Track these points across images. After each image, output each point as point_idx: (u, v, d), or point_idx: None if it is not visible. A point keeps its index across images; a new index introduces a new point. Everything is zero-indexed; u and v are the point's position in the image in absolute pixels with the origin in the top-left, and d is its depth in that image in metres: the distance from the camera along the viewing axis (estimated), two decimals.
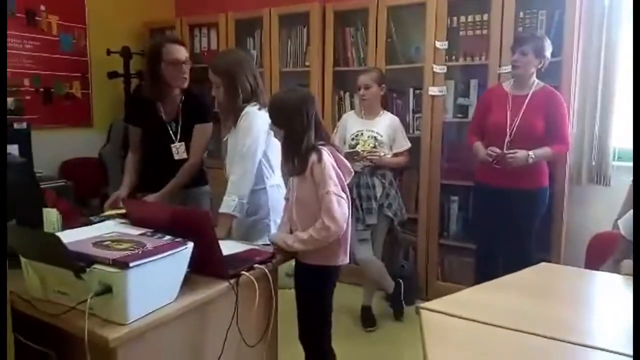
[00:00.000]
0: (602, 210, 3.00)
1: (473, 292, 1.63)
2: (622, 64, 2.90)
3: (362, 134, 2.91)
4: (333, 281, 1.93)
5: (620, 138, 2.99)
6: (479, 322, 1.40)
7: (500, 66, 2.98)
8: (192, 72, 2.41)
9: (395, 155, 2.93)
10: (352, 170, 1.91)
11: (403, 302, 3.13)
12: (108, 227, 1.64)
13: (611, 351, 1.26)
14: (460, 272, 3.30)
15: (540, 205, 2.70)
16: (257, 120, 2.07)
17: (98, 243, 1.39)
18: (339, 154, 1.88)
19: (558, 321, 1.43)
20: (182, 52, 2.35)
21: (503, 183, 2.63)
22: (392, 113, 3.08)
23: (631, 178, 2.78)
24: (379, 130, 2.90)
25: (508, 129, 2.60)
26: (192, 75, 2.40)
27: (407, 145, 2.96)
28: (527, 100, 2.60)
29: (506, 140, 2.59)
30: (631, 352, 1.21)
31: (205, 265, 1.53)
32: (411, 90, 3.35)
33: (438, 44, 3.13)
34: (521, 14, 2.97)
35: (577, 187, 3.12)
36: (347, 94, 3.58)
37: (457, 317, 1.43)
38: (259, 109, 2.10)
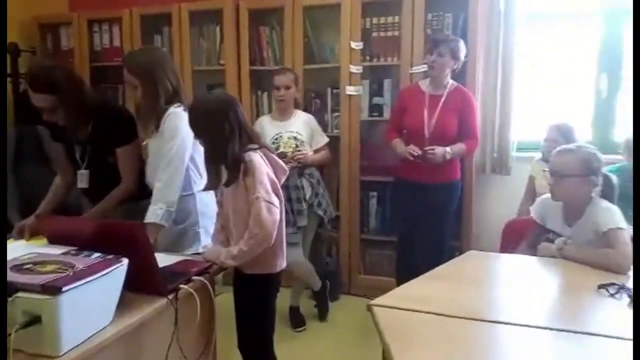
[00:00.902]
0: (504, 198, 3.28)
1: (415, 286, 1.69)
2: (517, 64, 3.18)
3: (281, 136, 2.88)
4: (275, 288, 1.90)
5: (519, 131, 3.28)
6: (428, 313, 1.47)
7: (411, 66, 3.13)
8: (92, 71, 2.18)
9: (316, 151, 2.95)
10: (286, 169, 1.88)
11: (328, 302, 3.17)
12: (22, 249, 1.46)
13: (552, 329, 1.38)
14: (381, 265, 3.43)
15: (455, 196, 2.89)
16: (182, 121, 1.96)
17: (17, 267, 1.23)
18: (272, 155, 1.84)
19: (496, 304, 1.55)
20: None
21: (421, 178, 2.77)
22: (311, 113, 3.11)
23: (529, 167, 3.09)
24: (298, 130, 2.90)
25: (426, 127, 2.73)
26: (93, 73, 2.16)
27: (325, 140, 3.00)
28: (442, 100, 2.76)
29: (425, 137, 2.72)
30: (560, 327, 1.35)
31: (141, 282, 1.42)
32: (329, 90, 3.40)
33: (353, 45, 3.20)
34: (429, 16, 3.14)
35: (482, 177, 3.37)
36: (265, 94, 3.54)
37: (406, 310, 1.49)
38: (184, 109, 1.99)
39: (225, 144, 1.69)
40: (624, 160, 2.74)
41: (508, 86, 3.22)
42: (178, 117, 1.98)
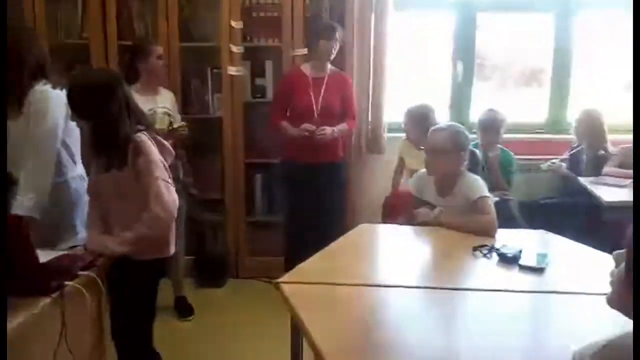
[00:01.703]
0: (379, 176, 3.51)
1: (316, 261, 1.75)
2: (389, 50, 3.39)
3: (155, 111, 2.72)
4: (163, 273, 1.82)
5: (389, 113, 3.52)
6: (330, 284, 1.56)
7: (293, 49, 3.16)
8: None
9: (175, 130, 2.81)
10: (172, 150, 1.80)
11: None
12: None
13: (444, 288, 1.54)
14: (269, 246, 3.45)
15: (340, 175, 3.04)
16: (51, 101, 1.75)
17: None
18: (158, 136, 1.75)
19: (386, 270, 1.69)
20: None
21: (309, 158, 2.86)
22: (190, 94, 2.99)
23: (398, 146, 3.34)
24: (167, 105, 2.79)
25: (315, 109, 2.82)
26: None
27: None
28: (325, 82, 2.86)
29: (314, 118, 2.81)
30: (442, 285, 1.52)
31: (21, 283, 1.26)
32: (209, 70, 3.28)
33: (233, 24, 3.12)
34: (307, 0, 3.18)
35: (359, 157, 3.56)
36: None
37: (311, 284, 1.55)
38: (53, 87, 1.77)
39: (115, 124, 1.56)
40: (477, 138, 3.12)
41: (380, 70, 3.42)
42: (46, 96, 1.76)
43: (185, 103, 3.20)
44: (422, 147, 2.27)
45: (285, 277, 1.60)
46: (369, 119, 3.49)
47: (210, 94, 3.31)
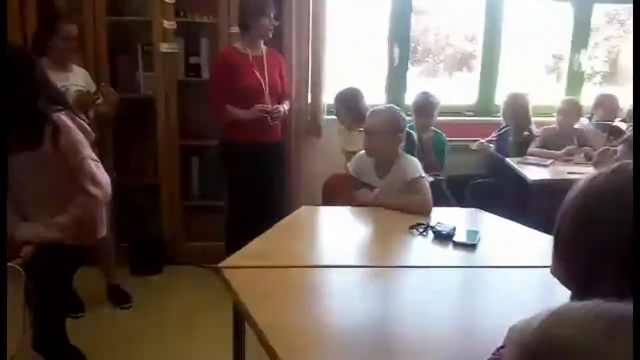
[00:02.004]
0: (318, 158, 3.52)
1: (258, 244, 1.73)
2: (327, 30, 3.38)
3: (68, 89, 2.52)
4: (85, 259, 1.73)
5: (328, 95, 3.52)
6: (273, 267, 1.55)
7: (230, 26, 3.06)
8: None
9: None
10: (92, 133, 1.69)
11: None
12: None
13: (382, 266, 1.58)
14: (207, 231, 3.37)
15: (281, 155, 3.03)
16: None
17: None
18: (77, 118, 1.64)
19: (327, 251, 1.70)
20: None
21: (253, 138, 2.80)
22: (118, 71, 2.82)
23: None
24: (80, 83, 2.59)
25: (264, 88, 2.77)
26: None
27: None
28: (265, 60, 2.81)
29: (265, 96, 2.76)
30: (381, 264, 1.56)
31: None
32: (139, 46, 3.10)
33: None
34: None
35: (298, 138, 3.55)
36: None
37: (254, 268, 1.53)
38: None
39: (29, 102, 1.44)
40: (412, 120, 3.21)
41: (319, 51, 3.41)
42: None
43: (113, 82, 3.01)
44: (356, 130, 2.29)
45: (226, 262, 1.57)
46: (309, 101, 3.48)
47: (140, 72, 3.15)
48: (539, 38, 4.18)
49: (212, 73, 3.01)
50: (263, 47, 2.86)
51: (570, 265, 0.76)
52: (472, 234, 1.80)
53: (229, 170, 3.00)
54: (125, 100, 2.95)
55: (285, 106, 2.89)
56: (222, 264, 1.54)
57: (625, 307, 0.46)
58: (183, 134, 3.21)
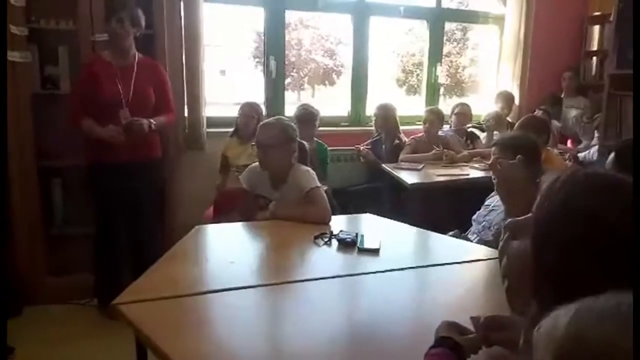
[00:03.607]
0: (200, 173, 3.37)
1: (155, 273, 1.58)
2: (202, 41, 3.26)
3: None
4: None
5: (210, 108, 3.40)
6: (175, 297, 1.43)
7: (94, 34, 2.77)
8: None
9: None
10: None
11: None
12: None
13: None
14: (77, 261, 3.00)
15: (158, 174, 2.80)
16: None
17: None
18: None
19: (230, 272, 1.62)
20: None
21: (121, 158, 2.56)
22: None
23: (224, 143, 3.26)
24: None
25: (123, 99, 2.53)
26: None
27: None
28: (135, 71, 2.60)
29: (122, 111, 2.52)
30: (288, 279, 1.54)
31: None
32: None
33: (13, 1, 2.58)
34: None
35: (177, 153, 3.35)
36: None
37: (154, 300, 1.39)
38: None
39: None
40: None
41: (194, 62, 3.28)
42: None
43: None
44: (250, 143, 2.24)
45: (125, 296, 1.40)
46: (186, 114, 3.31)
47: None
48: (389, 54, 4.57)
49: (73, 84, 2.74)
50: (136, 57, 2.64)
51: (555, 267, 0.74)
52: (368, 238, 1.85)
53: (98, 192, 2.72)
54: None
55: (157, 120, 2.63)
56: (119, 299, 1.37)
57: None
58: (41, 154, 2.82)
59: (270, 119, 2.35)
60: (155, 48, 2.95)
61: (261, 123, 2.28)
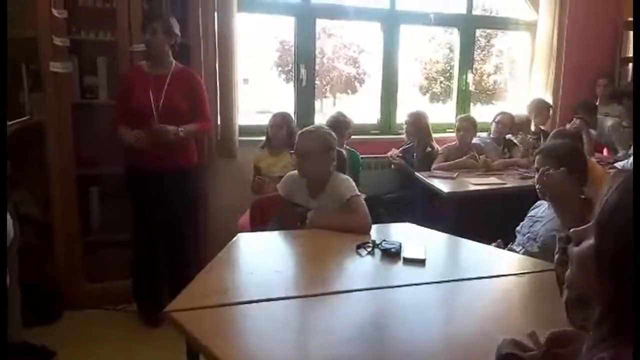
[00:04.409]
0: (231, 180, 3.39)
1: (202, 280, 1.58)
2: (236, 50, 3.29)
3: None
4: None
5: (243, 116, 3.43)
6: (225, 305, 1.42)
7: (132, 44, 2.83)
8: None
9: None
10: None
11: None
12: None
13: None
14: (113, 267, 3.04)
15: (192, 183, 2.82)
16: None
17: None
18: None
19: (280, 280, 1.61)
20: None
21: (157, 164, 2.60)
22: None
23: (255, 152, 3.27)
24: None
25: (153, 108, 2.57)
26: None
27: None
28: (168, 80, 2.63)
29: (153, 119, 2.55)
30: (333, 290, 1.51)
31: None
32: (23, 65, 2.72)
33: (55, 12, 2.65)
34: None
35: (209, 161, 3.37)
36: None
37: (206, 308, 1.39)
38: None
39: None
40: None
41: (227, 70, 3.30)
42: None
43: None
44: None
45: (175, 304, 1.40)
46: (218, 121, 3.34)
47: (25, 93, 2.76)
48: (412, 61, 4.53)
49: (112, 94, 2.82)
50: (173, 66, 2.68)
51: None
52: (419, 248, 1.82)
53: (136, 199, 2.75)
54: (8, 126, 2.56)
55: (187, 128, 2.63)
56: (170, 306, 1.38)
57: None
58: (81, 162, 2.87)
59: (310, 126, 2.35)
60: (191, 57, 2.99)
61: (300, 131, 2.27)
